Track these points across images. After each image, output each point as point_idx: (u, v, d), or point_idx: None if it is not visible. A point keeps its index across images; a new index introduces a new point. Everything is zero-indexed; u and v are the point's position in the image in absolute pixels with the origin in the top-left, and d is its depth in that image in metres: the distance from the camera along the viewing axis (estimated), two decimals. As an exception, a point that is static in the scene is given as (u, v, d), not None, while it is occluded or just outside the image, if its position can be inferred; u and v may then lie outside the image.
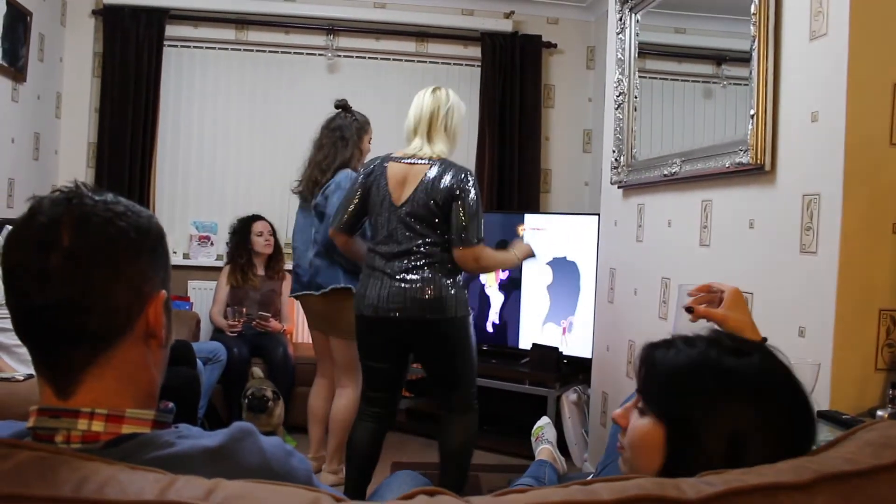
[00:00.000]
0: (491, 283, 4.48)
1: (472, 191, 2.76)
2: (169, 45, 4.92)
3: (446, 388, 2.93)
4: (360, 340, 2.94)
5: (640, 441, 1.03)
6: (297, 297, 3.57)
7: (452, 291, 2.78)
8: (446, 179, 2.76)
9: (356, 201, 2.95)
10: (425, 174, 2.78)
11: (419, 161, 2.82)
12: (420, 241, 2.78)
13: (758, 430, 0.95)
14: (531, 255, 3.14)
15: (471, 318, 2.89)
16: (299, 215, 3.59)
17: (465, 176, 2.78)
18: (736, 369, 0.99)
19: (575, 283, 4.16)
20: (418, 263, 2.77)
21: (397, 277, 2.77)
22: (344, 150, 3.40)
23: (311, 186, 3.43)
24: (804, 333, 2.09)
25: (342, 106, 3.54)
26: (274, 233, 4.57)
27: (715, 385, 0.98)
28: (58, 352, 0.88)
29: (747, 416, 0.96)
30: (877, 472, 0.80)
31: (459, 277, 2.86)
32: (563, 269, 4.20)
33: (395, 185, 2.83)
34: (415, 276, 2.76)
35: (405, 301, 2.75)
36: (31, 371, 2.64)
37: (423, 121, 2.86)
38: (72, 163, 4.82)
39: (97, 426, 0.87)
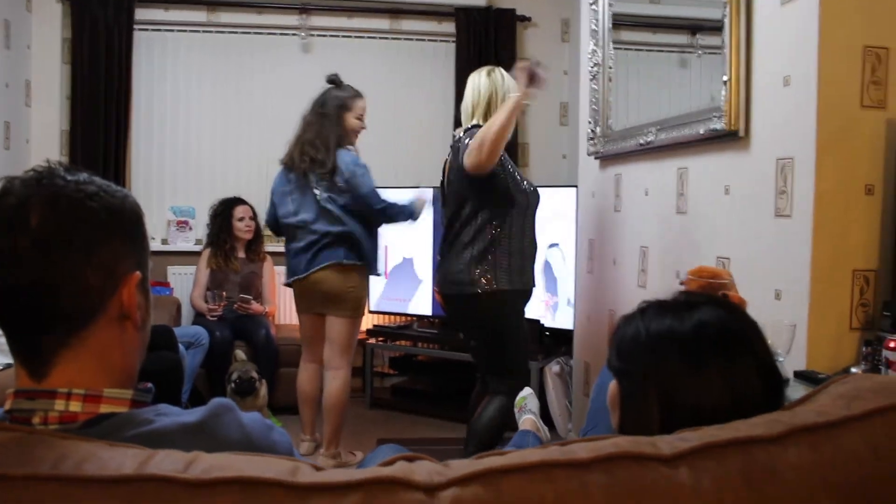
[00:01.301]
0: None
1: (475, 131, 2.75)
2: (139, 29, 4.85)
3: (480, 364, 2.96)
4: None
5: (609, 399, 1.11)
6: (299, 280, 3.44)
7: (475, 266, 2.76)
8: (461, 138, 2.82)
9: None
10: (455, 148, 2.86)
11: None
12: (452, 217, 2.86)
13: (686, 384, 0.99)
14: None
15: (504, 296, 2.79)
16: (298, 192, 3.43)
17: (472, 129, 2.79)
18: (669, 328, 1.03)
19: (560, 266, 4.18)
20: (451, 239, 2.86)
21: (440, 255, 2.93)
22: (330, 128, 3.35)
23: (309, 163, 3.34)
24: (780, 296, 2.11)
25: (331, 80, 3.47)
26: (254, 216, 4.55)
27: (647, 342, 1.04)
28: (30, 334, 0.88)
29: (675, 371, 1.00)
30: (847, 422, 0.82)
31: (490, 252, 2.77)
32: (552, 254, 4.21)
33: (448, 165, 2.94)
34: (447, 251, 2.88)
35: (438, 275, 2.92)
36: (10, 361, 2.63)
37: (481, 103, 2.86)
38: (44, 151, 4.71)
39: (75, 406, 0.86)
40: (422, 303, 4.58)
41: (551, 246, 4.15)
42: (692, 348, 1.00)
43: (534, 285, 2.95)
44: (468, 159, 2.67)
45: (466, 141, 2.75)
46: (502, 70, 2.93)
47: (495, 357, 2.88)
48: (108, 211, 0.90)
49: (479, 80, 2.90)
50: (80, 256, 0.87)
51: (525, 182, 2.91)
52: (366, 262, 3.40)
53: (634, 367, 1.05)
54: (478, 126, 2.79)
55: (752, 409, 0.91)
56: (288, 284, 3.56)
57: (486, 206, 2.78)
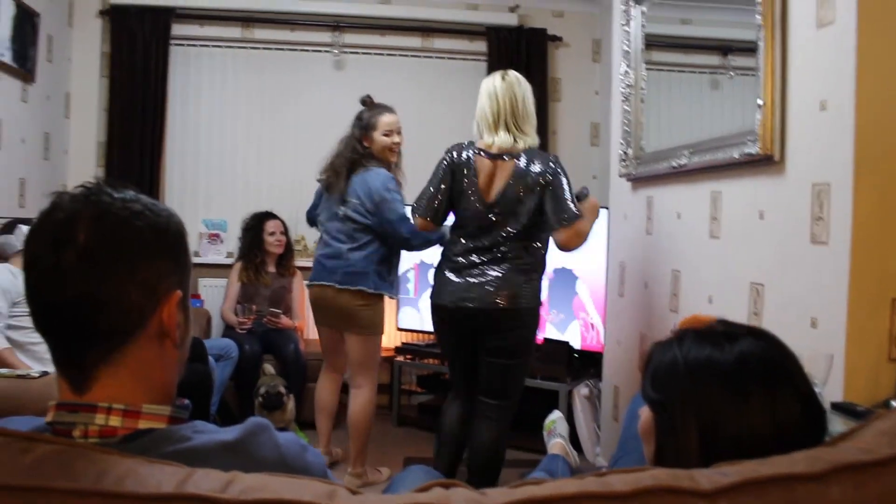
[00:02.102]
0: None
1: (561, 173, 2.75)
2: (175, 44, 4.94)
3: (493, 389, 2.89)
4: (439, 330, 3.03)
5: (641, 428, 1.11)
6: (314, 286, 3.44)
7: (523, 282, 2.79)
8: (535, 169, 2.75)
9: (444, 189, 2.91)
10: (515, 167, 2.77)
11: (507, 157, 2.79)
12: (504, 236, 2.79)
13: (727, 415, 0.98)
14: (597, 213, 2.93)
15: (539, 316, 2.87)
16: (327, 204, 3.49)
17: (553, 162, 2.78)
18: (709, 358, 1.02)
19: (570, 286, 4.24)
20: (499, 257, 2.80)
21: (478, 270, 2.82)
22: (346, 151, 3.40)
23: (335, 178, 3.40)
24: (816, 324, 2.08)
25: (362, 101, 3.51)
26: (286, 231, 4.59)
27: (685, 371, 1.04)
28: (72, 347, 0.89)
29: (716, 401, 0.99)
30: (892, 461, 0.80)
31: (535, 273, 2.85)
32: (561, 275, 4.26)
33: (484, 179, 2.83)
34: (489, 268, 2.80)
35: (481, 291, 2.79)
36: (46, 368, 2.66)
37: (505, 111, 2.80)
38: (81, 162, 4.84)
39: (115, 421, 0.87)
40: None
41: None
42: (735, 379, 1.00)
43: None
44: (566, 237, 2.71)
45: (537, 168, 2.75)
46: (518, 74, 2.89)
47: (512, 377, 2.87)
48: (152, 229, 0.92)
49: (494, 87, 2.83)
50: (123, 273, 0.88)
51: None
52: (372, 287, 3.32)
53: (672, 395, 1.04)
54: (533, 150, 2.79)
55: (793, 441, 0.90)
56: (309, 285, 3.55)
57: (536, 226, 2.79)
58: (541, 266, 2.90)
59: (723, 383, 1.00)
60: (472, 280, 2.83)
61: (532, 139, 2.84)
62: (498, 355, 2.84)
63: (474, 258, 2.85)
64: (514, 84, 2.82)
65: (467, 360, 2.95)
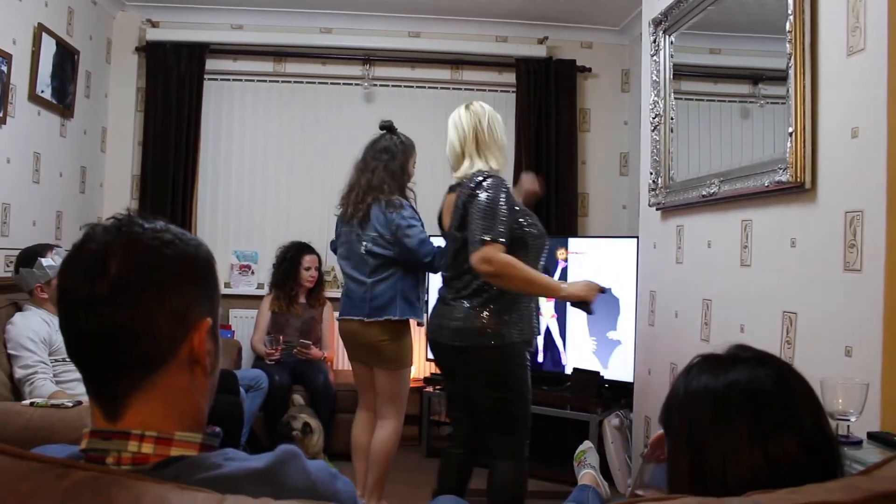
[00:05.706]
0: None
1: (483, 192, 2.54)
2: (209, 79, 5.04)
3: (484, 425, 2.75)
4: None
5: (651, 441, 1.17)
6: (343, 320, 3.37)
7: (483, 317, 2.60)
8: (466, 191, 2.62)
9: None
10: (458, 196, 2.70)
11: (459, 186, 2.73)
12: (454, 266, 2.72)
13: (711, 441, 0.99)
14: (586, 300, 2.61)
15: (513, 349, 2.62)
16: (349, 237, 3.36)
17: (480, 180, 2.58)
18: (705, 384, 1.03)
19: (614, 307, 4.15)
20: (456, 288, 2.71)
21: (442, 302, 2.78)
22: (397, 175, 3.31)
23: (363, 208, 3.29)
24: (851, 353, 2.05)
25: (387, 127, 3.44)
26: (320, 266, 4.61)
27: (684, 396, 1.06)
28: (104, 375, 0.91)
29: (703, 427, 1.00)
30: (930, 490, 0.79)
31: (494, 304, 2.62)
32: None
33: (446, 212, 2.87)
34: (452, 302, 2.71)
35: (441, 326, 2.72)
36: (80, 399, 2.69)
37: (468, 138, 2.72)
38: (116, 195, 4.94)
39: (147, 448, 0.88)
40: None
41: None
42: (720, 406, 1.00)
43: (538, 333, 2.81)
44: (474, 263, 2.50)
45: (467, 190, 2.62)
46: (482, 103, 2.82)
47: (493, 412, 2.69)
48: (182, 258, 0.93)
49: (458, 117, 2.77)
50: (154, 302, 0.90)
51: (534, 224, 2.71)
52: (398, 314, 3.24)
53: (672, 420, 1.07)
54: (481, 173, 2.63)
55: (795, 475, 0.88)
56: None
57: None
58: (507, 295, 2.63)
59: (710, 409, 1.00)
60: (437, 312, 2.82)
61: (495, 167, 2.71)
62: (473, 388, 2.79)
63: (444, 291, 2.84)
64: (478, 111, 2.77)
65: (454, 392, 2.99)
